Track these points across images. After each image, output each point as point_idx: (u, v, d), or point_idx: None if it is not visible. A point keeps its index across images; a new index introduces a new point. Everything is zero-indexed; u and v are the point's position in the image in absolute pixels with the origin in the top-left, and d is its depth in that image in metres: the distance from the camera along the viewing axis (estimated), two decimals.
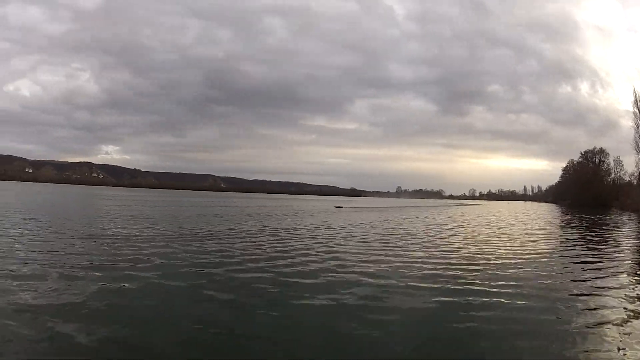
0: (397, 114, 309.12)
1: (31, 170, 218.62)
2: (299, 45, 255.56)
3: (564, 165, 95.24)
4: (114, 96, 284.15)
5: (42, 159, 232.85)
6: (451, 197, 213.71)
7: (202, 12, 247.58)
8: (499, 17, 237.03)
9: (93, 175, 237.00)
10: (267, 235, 15.40)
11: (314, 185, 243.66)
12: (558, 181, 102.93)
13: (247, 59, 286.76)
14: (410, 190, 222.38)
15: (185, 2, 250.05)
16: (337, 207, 46.67)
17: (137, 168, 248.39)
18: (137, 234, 14.02)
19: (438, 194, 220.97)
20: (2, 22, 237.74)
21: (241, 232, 15.88)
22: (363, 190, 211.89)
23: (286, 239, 14.25)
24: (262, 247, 11.97)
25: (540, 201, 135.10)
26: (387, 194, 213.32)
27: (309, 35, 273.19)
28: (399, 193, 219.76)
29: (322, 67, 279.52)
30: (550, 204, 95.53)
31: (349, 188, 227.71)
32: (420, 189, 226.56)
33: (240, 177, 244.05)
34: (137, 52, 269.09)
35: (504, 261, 10.60)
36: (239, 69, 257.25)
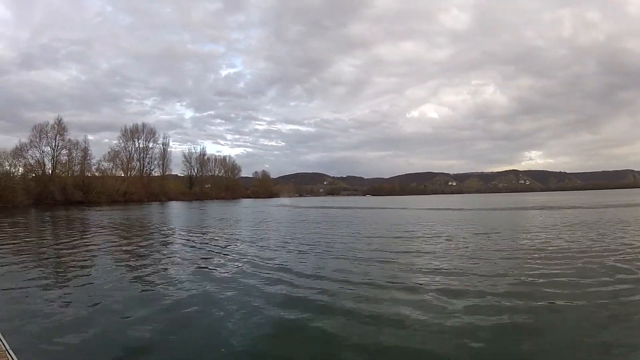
0: None
1: (455, 183, 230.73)
2: None
3: None
4: (524, 102, 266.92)
5: (466, 172, 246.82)
6: None
7: None
8: None
9: (520, 182, 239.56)
10: None
11: None
12: None
13: (626, 36, 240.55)
14: None
15: None
16: None
17: (563, 171, 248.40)
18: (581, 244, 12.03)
19: None
20: (380, 61, 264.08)
21: None
22: None
23: None
24: None
25: None
26: None
27: None
28: None
29: None
30: None
31: None
32: None
33: None
34: (529, 55, 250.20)
35: None
36: (624, 48, 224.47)
